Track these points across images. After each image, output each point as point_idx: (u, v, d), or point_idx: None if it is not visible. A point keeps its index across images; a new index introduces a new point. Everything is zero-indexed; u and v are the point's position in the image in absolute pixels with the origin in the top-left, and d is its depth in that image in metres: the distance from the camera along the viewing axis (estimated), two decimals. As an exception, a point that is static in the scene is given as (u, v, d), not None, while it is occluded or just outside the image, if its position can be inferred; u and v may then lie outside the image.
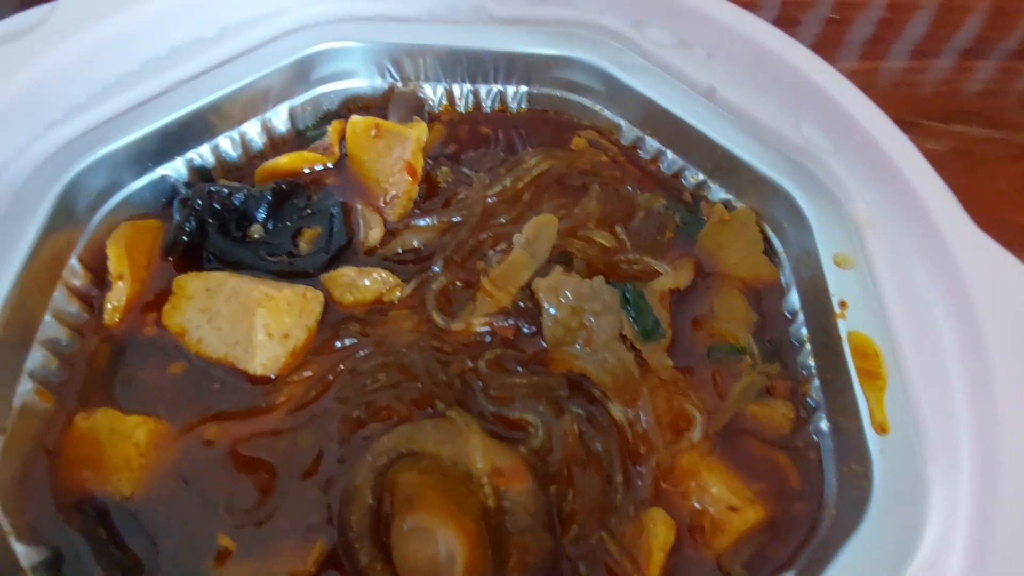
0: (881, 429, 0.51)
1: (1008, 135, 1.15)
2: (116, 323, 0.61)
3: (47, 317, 0.58)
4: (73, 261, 0.61)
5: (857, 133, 0.61)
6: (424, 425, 0.54)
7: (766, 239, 0.66)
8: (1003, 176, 1.10)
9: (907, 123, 1.16)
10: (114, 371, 0.59)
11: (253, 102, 0.70)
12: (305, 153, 0.71)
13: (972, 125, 1.16)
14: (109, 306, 0.61)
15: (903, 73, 1.24)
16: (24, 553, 0.49)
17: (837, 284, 0.58)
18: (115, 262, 0.61)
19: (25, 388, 0.55)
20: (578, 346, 0.59)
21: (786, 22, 1.29)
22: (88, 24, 0.64)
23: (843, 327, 0.56)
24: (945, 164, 1.09)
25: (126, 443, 0.54)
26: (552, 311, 0.60)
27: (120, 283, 0.61)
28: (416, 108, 0.73)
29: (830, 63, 1.25)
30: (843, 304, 0.57)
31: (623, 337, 0.59)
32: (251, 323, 0.58)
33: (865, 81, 1.21)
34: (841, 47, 1.27)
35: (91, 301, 0.62)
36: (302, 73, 0.72)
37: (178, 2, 0.69)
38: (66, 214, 0.61)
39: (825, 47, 1.25)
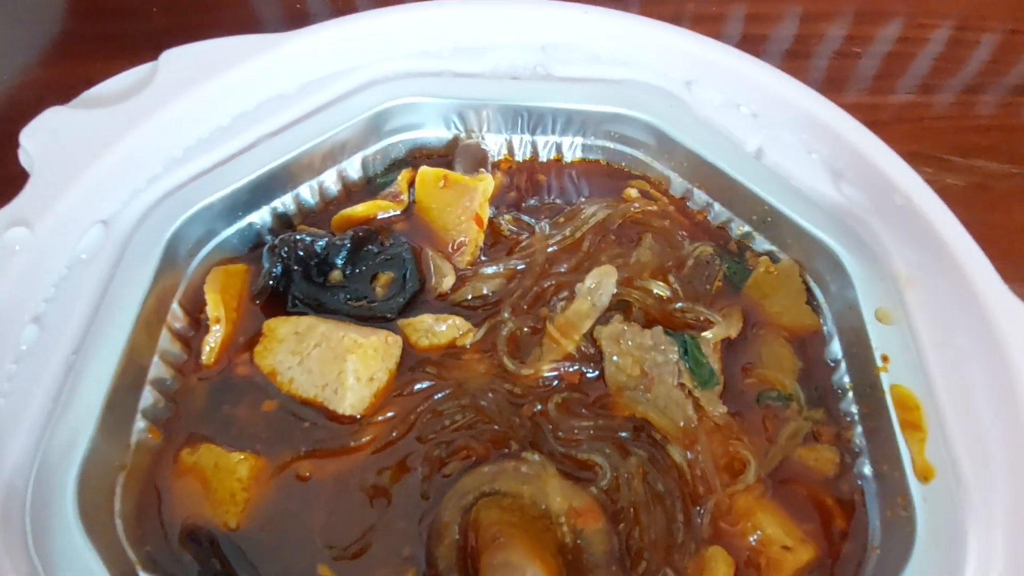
0: (923, 478, 0.56)
1: (1024, 170, 1.19)
2: (212, 363, 0.67)
3: (155, 359, 0.64)
4: (175, 305, 0.67)
5: (896, 196, 0.66)
6: (506, 466, 0.59)
7: (808, 290, 0.71)
8: (1021, 210, 1.14)
9: (928, 157, 1.21)
10: (212, 409, 0.65)
11: (332, 153, 0.76)
12: (378, 201, 0.76)
13: (990, 160, 1.20)
14: (207, 348, 0.66)
15: (916, 107, 1.28)
16: (148, 582, 0.54)
17: (879, 338, 0.63)
18: (213, 306, 0.67)
19: (139, 427, 0.61)
20: (639, 392, 0.64)
21: (799, 56, 1.33)
22: (188, 85, 0.70)
23: (886, 380, 0.61)
24: (966, 199, 1.15)
25: (230, 478, 0.60)
26: (615, 358, 0.66)
27: (217, 326, 0.67)
28: (481, 160, 0.78)
29: (843, 96, 1.29)
30: (885, 358, 0.62)
31: (682, 385, 0.64)
32: (342, 368, 0.63)
33: (891, 115, 1.25)
34: (852, 80, 1.31)
35: (189, 342, 0.68)
36: (375, 126, 0.78)
37: (265, 62, 0.74)
38: (170, 262, 0.67)
39: (837, 81, 1.30)
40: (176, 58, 0.71)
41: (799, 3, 1.41)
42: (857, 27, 1.39)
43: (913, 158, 1.17)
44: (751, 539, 0.58)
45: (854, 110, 1.27)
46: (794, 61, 1.29)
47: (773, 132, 0.75)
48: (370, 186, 0.80)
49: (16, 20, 1.17)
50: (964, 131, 1.25)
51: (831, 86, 1.27)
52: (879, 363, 0.62)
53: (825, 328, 0.70)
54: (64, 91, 0.70)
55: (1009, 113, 1.29)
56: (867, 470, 0.61)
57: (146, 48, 0.73)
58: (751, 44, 1.32)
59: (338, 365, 0.63)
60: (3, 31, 1.15)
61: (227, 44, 0.73)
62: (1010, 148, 1.22)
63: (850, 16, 1.42)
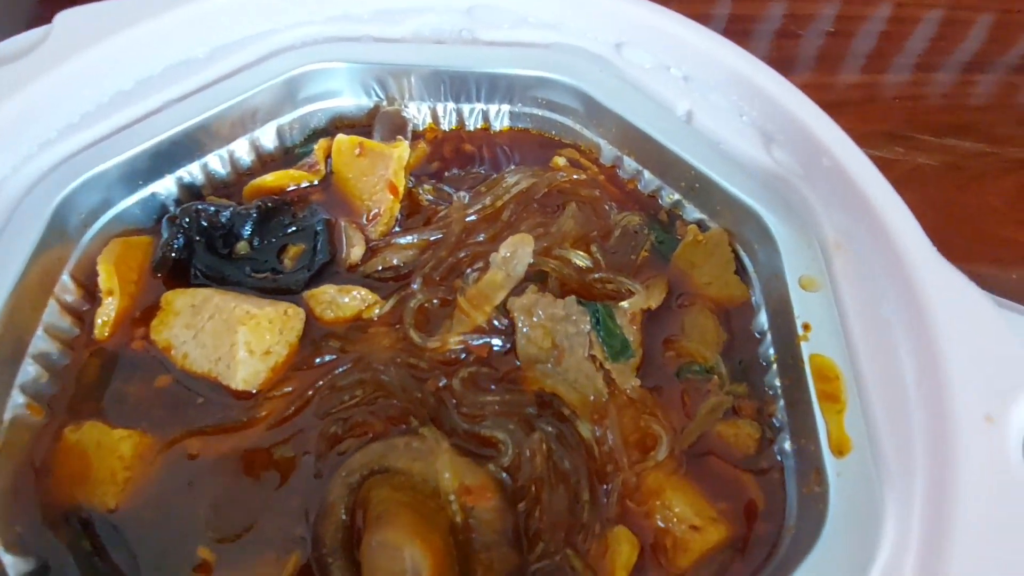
0: (839, 452, 0.52)
1: (1000, 149, 1.16)
2: (106, 337, 0.63)
3: (39, 332, 0.60)
4: (65, 277, 0.63)
5: (825, 158, 0.62)
6: (396, 443, 0.56)
7: (738, 259, 0.68)
8: (994, 191, 1.11)
9: (900, 137, 1.18)
10: (103, 384, 0.62)
11: (241, 121, 0.72)
12: (291, 171, 0.73)
13: (965, 139, 1.17)
14: (99, 321, 0.63)
15: (902, 87, 1.25)
16: (12, 564, 0.51)
17: (802, 306, 0.60)
18: (105, 278, 0.64)
19: (16, 402, 0.57)
20: (550, 365, 0.61)
21: (786, 35, 1.30)
22: (83, 46, 0.67)
23: (806, 349, 0.57)
24: (937, 178, 1.11)
25: (111, 456, 0.57)
26: (526, 330, 0.62)
27: (110, 299, 0.63)
28: (400, 127, 0.75)
29: (831, 76, 1.26)
30: (807, 326, 0.58)
31: (592, 357, 0.60)
32: (233, 340, 0.60)
33: (866, 94, 1.22)
34: (842, 60, 1.28)
35: (82, 316, 0.64)
36: (290, 93, 0.74)
37: (170, 23, 0.71)
38: (58, 232, 0.63)
39: (826, 60, 1.27)
40: (72, 18, 0.67)
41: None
42: (812, 6, 1.36)
43: (885, 137, 1.15)
44: (659, 518, 0.55)
45: (823, 89, 1.24)
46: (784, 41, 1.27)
47: (704, 95, 0.72)
48: (288, 156, 0.77)
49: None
50: (937, 110, 1.21)
51: (789, 66, 1.24)
52: (800, 332, 0.58)
53: (753, 298, 0.66)
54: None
55: (983, 93, 1.26)
56: (788, 446, 0.57)
57: None
58: (740, 23, 1.29)
59: (230, 338, 0.60)
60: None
61: (131, 3, 0.70)
62: (984, 128, 1.19)
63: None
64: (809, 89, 1.22)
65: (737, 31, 1.31)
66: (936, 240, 1.06)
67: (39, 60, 0.65)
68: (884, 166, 1.09)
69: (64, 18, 0.67)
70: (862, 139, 1.12)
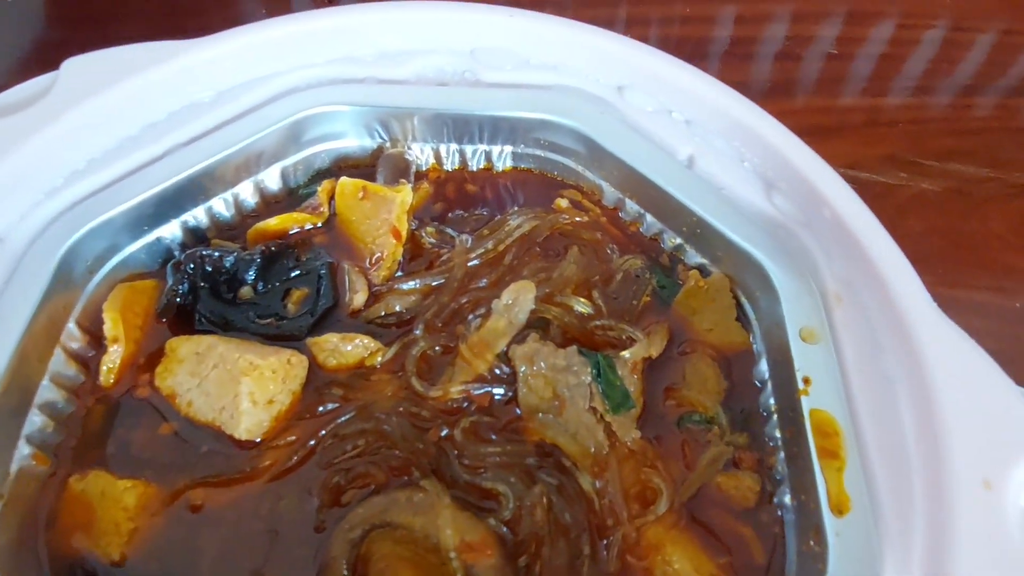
0: (838, 510, 0.52)
1: (1004, 174, 1.16)
2: (111, 385, 0.64)
3: (45, 381, 0.61)
4: (71, 324, 0.64)
5: (826, 209, 0.62)
6: (398, 497, 0.56)
7: (739, 306, 0.68)
8: (997, 217, 1.11)
9: (903, 161, 1.18)
10: (107, 432, 0.62)
11: (246, 164, 0.73)
12: (294, 214, 0.73)
13: (968, 164, 1.17)
14: (104, 368, 0.64)
15: (904, 110, 1.25)
16: (18, 618, 0.51)
17: (802, 359, 0.60)
18: (111, 325, 0.64)
19: (22, 453, 0.58)
20: (551, 415, 0.61)
21: (787, 57, 1.30)
22: (90, 93, 0.67)
23: (806, 403, 0.57)
24: (940, 204, 1.11)
25: (116, 507, 0.57)
26: (528, 379, 0.62)
27: (115, 346, 0.64)
28: (403, 170, 0.75)
29: (832, 99, 1.26)
30: (807, 380, 0.59)
31: (593, 408, 0.61)
32: (237, 391, 0.60)
33: (866, 117, 1.22)
34: (843, 82, 1.28)
35: (88, 363, 0.65)
36: (294, 135, 0.75)
37: (175, 68, 0.71)
38: (65, 280, 0.64)
39: (826, 83, 1.27)
40: (79, 66, 0.68)
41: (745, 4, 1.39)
42: (813, 28, 1.36)
43: (888, 162, 1.15)
44: (659, 574, 0.55)
45: (824, 112, 1.24)
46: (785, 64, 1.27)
47: (706, 140, 0.72)
48: (292, 197, 0.78)
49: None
50: (939, 134, 1.21)
51: (790, 89, 1.25)
52: (800, 385, 0.58)
53: (754, 346, 0.66)
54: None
55: (985, 116, 1.26)
56: (788, 500, 0.57)
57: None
58: (742, 46, 1.30)
59: (233, 388, 0.60)
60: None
61: (135, 51, 0.70)
62: (988, 152, 1.19)
63: (825, 16, 1.38)
64: (810, 112, 1.23)
65: (739, 53, 1.31)
66: (940, 267, 1.06)
67: (46, 108, 0.66)
68: (888, 191, 1.10)
69: (71, 65, 0.68)
70: (865, 163, 1.13)
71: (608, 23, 1.25)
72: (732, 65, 1.29)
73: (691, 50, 1.29)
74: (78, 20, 1.20)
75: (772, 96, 1.24)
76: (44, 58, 1.09)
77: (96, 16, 1.20)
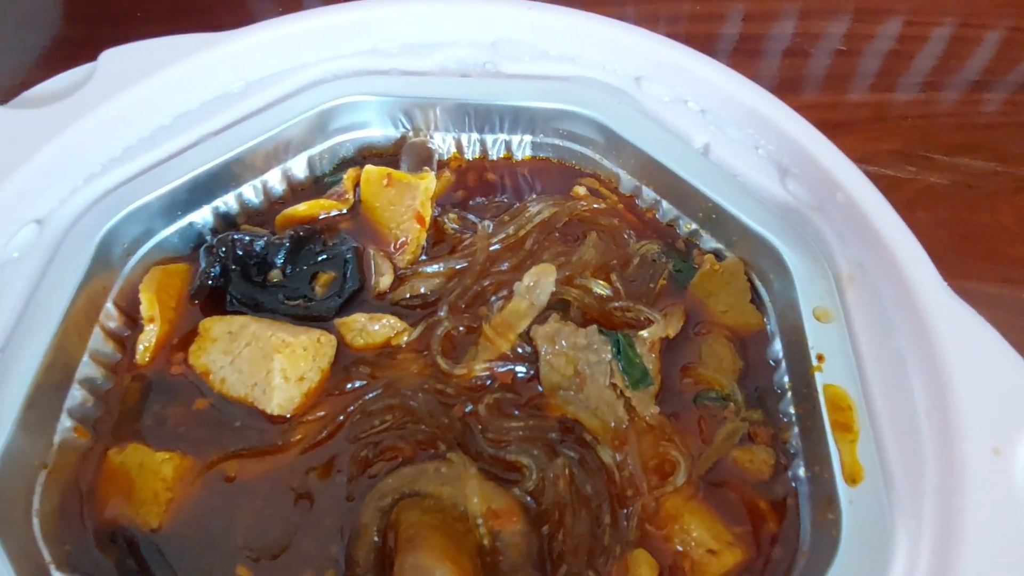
0: (851, 480, 0.54)
1: (1012, 168, 1.17)
2: (147, 363, 0.66)
3: (85, 358, 0.63)
4: (109, 304, 0.67)
5: (840, 193, 0.64)
6: (427, 468, 0.58)
7: (753, 288, 0.70)
8: (1005, 210, 1.12)
9: (911, 155, 1.19)
10: (144, 408, 0.64)
11: (275, 152, 0.75)
12: (321, 200, 0.76)
13: (976, 158, 1.18)
14: (141, 347, 0.66)
15: (912, 105, 1.26)
16: (62, 582, 0.54)
17: (816, 337, 0.62)
18: (147, 306, 0.67)
19: (64, 425, 0.60)
20: (572, 392, 0.63)
21: (796, 54, 1.32)
22: (126, 84, 0.70)
23: (820, 379, 0.59)
24: (949, 197, 1.13)
25: (154, 478, 0.59)
26: (548, 358, 0.65)
27: (151, 325, 0.66)
28: (426, 158, 0.78)
29: (840, 95, 1.27)
30: (820, 357, 0.60)
31: (613, 385, 0.63)
32: (269, 367, 0.62)
33: (875, 113, 1.24)
34: (851, 79, 1.30)
35: (124, 342, 0.67)
36: (321, 125, 0.77)
37: (207, 60, 0.74)
38: (103, 262, 0.66)
39: (835, 79, 1.29)
40: (116, 57, 0.71)
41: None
42: (821, 25, 1.37)
43: (896, 156, 1.17)
44: (677, 542, 0.57)
45: (832, 108, 1.25)
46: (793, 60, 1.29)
47: (721, 128, 0.74)
48: (318, 185, 0.80)
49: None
50: (947, 129, 1.23)
51: (799, 85, 1.26)
52: (814, 362, 0.60)
53: (768, 327, 0.68)
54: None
55: (993, 111, 1.27)
56: (802, 472, 0.59)
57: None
58: (750, 43, 1.32)
59: (266, 364, 0.63)
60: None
61: (169, 43, 0.73)
62: (994, 146, 1.20)
63: (819, 14, 1.40)
64: (818, 108, 1.24)
65: (747, 50, 1.33)
66: (948, 259, 1.08)
67: (85, 98, 0.69)
68: (896, 185, 1.11)
69: (108, 57, 0.71)
70: (872, 158, 1.14)
71: (617, 20, 1.28)
72: (740, 61, 1.30)
73: (699, 47, 1.31)
74: (96, 19, 1.22)
75: (780, 92, 1.25)
76: (64, 55, 1.13)
77: (114, 15, 1.22)
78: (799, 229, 0.68)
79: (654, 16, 1.36)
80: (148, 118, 0.72)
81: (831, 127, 1.26)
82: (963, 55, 1.34)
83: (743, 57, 1.31)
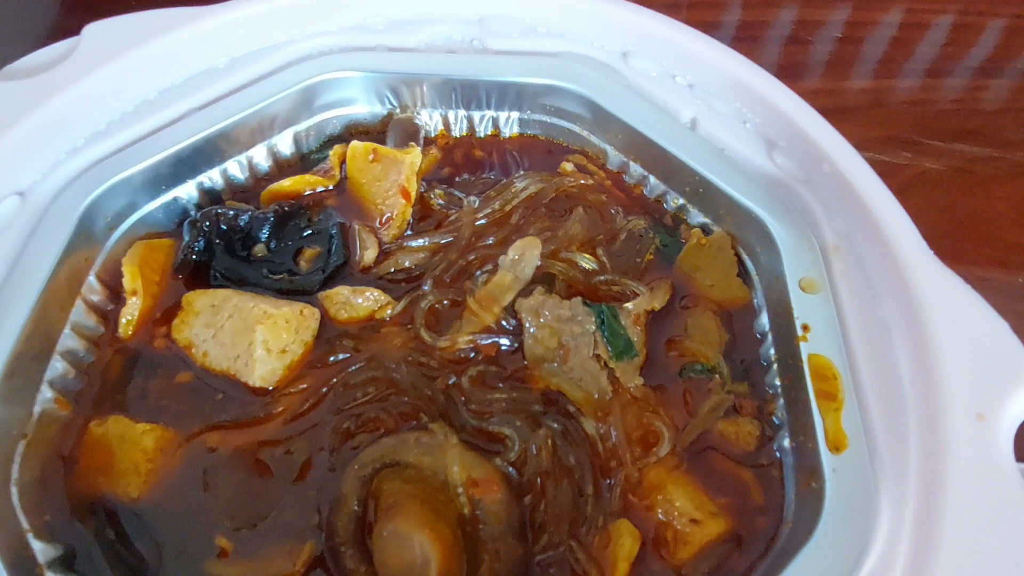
0: (835, 448, 0.54)
1: (1008, 154, 1.17)
2: (130, 336, 0.66)
3: (66, 330, 0.63)
4: (91, 278, 0.66)
5: (825, 164, 0.64)
6: (408, 437, 0.58)
7: (740, 262, 0.69)
8: (1001, 195, 1.11)
9: (908, 142, 1.19)
10: (126, 381, 0.64)
11: (260, 128, 0.75)
12: (307, 176, 0.75)
13: (973, 144, 1.17)
14: (123, 320, 0.66)
15: (912, 92, 1.26)
16: (41, 550, 0.53)
17: (801, 308, 0.61)
18: (129, 279, 0.66)
19: (45, 396, 0.60)
20: (556, 364, 0.63)
21: (796, 41, 1.31)
22: (109, 57, 0.70)
23: (804, 349, 0.59)
24: (944, 183, 1.12)
25: (135, 449, 0.59)
26: (532, 330, 0.64)
27: (134, 299, 0.66)
28: (412, 134, 0.77)
29: (841, 82, 1.27)
30: (806, 327, 0.60)
31: (597, 356, 0.62)
32: (251, 339, 0.62)
33: (874, 99, 1.23)
34: (852, 66, 1.29)
35: (107, 315, 0.67)
36: (306, 101, 0.77)
37: (191, 35, 0.73)
38: (86, 235, 0.66)
39: (836, 66, 1.28)
40: (99, 31, 0.70)
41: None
42: (822, 12, 1.37)
43: (892, 143, 1.16)
44: (660, 512, 0.56)
45: (832, 95, 1.25)
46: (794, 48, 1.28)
47: (708, 102, 0.73)
48: (305, 162, 0.80)
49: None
50: (946, 115, 1.22)
51: (799, 72, 1.26)
52: (799, 332, 0.60)
53: (755, 300, 0.68)
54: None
55: (992, 98, 1.26)
56: (787, 443, 0.59)
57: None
58: (750, 30, 1.31)
59: (248, 336, 0.62)
60: None
61: (154, 16, 0.73)
62: (991, 132, 1.19)
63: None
64: (818, 95, 1.23)
65: (747, 37, 1.32)
66: (943, 244, 1.07)
67: (68, 71, 0.68)
68: (891, 171, 1.11)
69: (91, 30, 0.70)
70: (869, 144, 1.13)
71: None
72: (740, 48, 1.30)
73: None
74: (90, 5, 1.22)
75: (780, 79, 1.25)
76: (53, 32, 1.12)
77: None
78: (786, 202, 0.67)
79: (651, 3, 1.36)
80: (132, 92, 0.71)
81: (828, 113, 1.25)
82: (963, 43, 1.33)
83: (743, 44, 1.30)
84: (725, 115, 0.72)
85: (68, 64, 0.69)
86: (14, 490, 0.55)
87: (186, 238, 0.69)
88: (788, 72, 1.26)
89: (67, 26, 1.18)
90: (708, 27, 1.32)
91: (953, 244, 1.05)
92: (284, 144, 0.78)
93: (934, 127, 1.19)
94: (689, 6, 1.39)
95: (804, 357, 0.58)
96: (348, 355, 0.65)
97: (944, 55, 1.31)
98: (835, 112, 1.23)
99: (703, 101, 0.73)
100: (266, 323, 0.62)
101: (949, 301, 0.56)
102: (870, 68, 1.30)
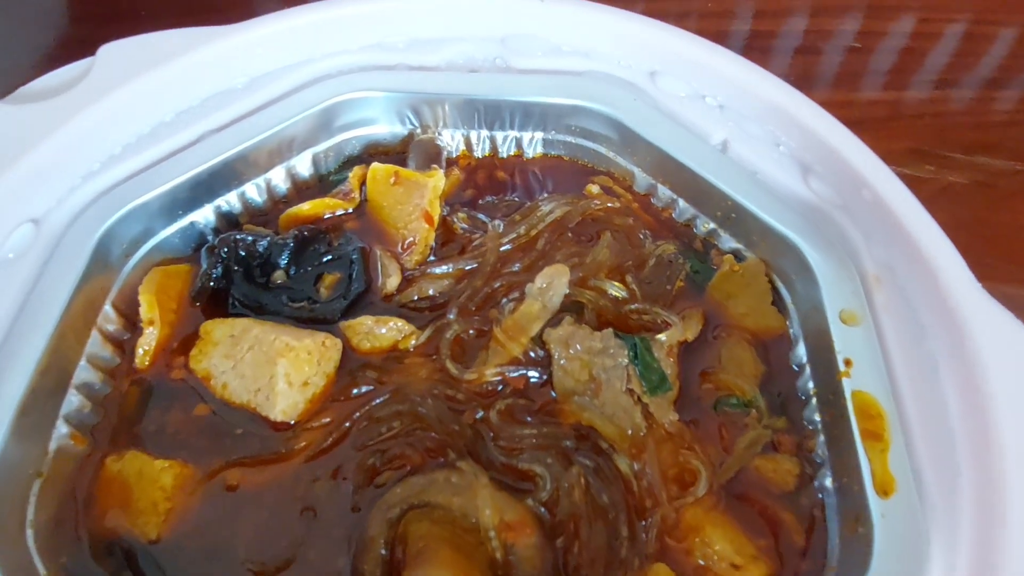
0: (883, 492, 0.52)
1: (1030, 167, 1.14)
2: (146, 367, 0.64)
3: (82, 362, 0.61)
4: (107, 307, 0.64)
5: (866, 191, 0.62)
6: (436, 477, 0.56)
7: (775, 290, 0.67)
8: (1024, 210, 1.09)
9: (931, 155, 1.17)
10: (143, 413, 0.62)
11: (279, 150, 0.73)
12: (327, 199, 0.73)
13: (995, 157, 1.15)
14: (140, 351, 0.64)
15: (927, 103, 1.24)
16: (57, 595, 0.51)
17: (843, 341, 0.59)
18: (146, 308, 0.64)
19: (60, 432, 0.58)
20: (587, 397, 0.61)
21: (807, 52, 1.29)
22: (125, 79, 0.68)
23: (847, 386, 0.57)
24: (968, 197, 1.10)
25: (153, 487, 0.57)
26: (562, 362, 0.62)
27: (151, 328, 0.64)
28: (434, 156, 0.75)
29: (853, 92, 1.25)
30: (848, 362, 0.58)
31: (630, 390, 0.60)
32: (273, 372, 0.60)
33: (889, 111, 1.21)
34: (864, 76, 1.27)
35: (123, 345, 0.65)
36: (326, 121, 0.75)
37: (209, 55, 0.72)
38: (102, 262, 0.64)
39: (848, 76, 1.26)
40: (115, 52, 0.69)
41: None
42: (833, 22, 1.35)
43: (913, 155, 1.14)
44: (699, 556, 0.54)
45: (845, 106, 1.23)
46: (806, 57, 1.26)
47: (740, 124, 0.71)
48: (323, 183, 0.78)
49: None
50: (968, 128, 1.20)
51: (812, 83, 1.24)
52: (841, 367, 0.58)
53: (791, 330, 0.66)
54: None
55: (1009, 109, 1.24)
56: (828, 483, 0.57)
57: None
58: (761, 40, 1.29)
59: (269, 369, 0.60)
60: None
61: (170, 36, 0.71)
62: (1013, 145, 1.17)
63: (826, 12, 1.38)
64: (831, 106, 1.21)
65: (758, 47, 1.31)
66: (969, 261, 1.05)
67: (83, 93, 0.66)
68: (914, 185, 1.08)
69: (107, 51, 0.69)
70: (888, 156, 1.11)
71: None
72: (752, 59, 1.28)
73: (710, 44, 1.29)
74: (102, 18, 1.21)
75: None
76: (68, 55, 1.11)
77: (120, 14, 1.20)
78: (822, 228, 0.65)
79: (664, 12, 1.34)
80: (148, 114, 0.70)
81: (846, 125, 1.24)
82: (978, 52, 1.31)
83: (755, 54, 1.28)
84: (758, 137, 0.70)
85: (83, 86, 0.67)
86: (30, 532, 0.53)
87: (204, 265, 0.67)
88: (802, 83, 1.24)
89: (79, 36, 1.17)
90: (719, 36, 1.31)
91: (980, 261, 1.02)
92: (303, 165, 0.76)
93: (953, 139, 1.17)
94: (700, 15, 1.37)
95: (847, 394, 0.56)
96: (372, 387, 0.63)
97: (956, 65, 1.29)
98: (852, 123, 1.21)
99: (734, 123, 0.71)
100: (288, 356, 0.60)
101: (999, 335, 0.53)
102: (885, 79, 1.28)
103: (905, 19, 1.37)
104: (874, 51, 1.30)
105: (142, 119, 0.69)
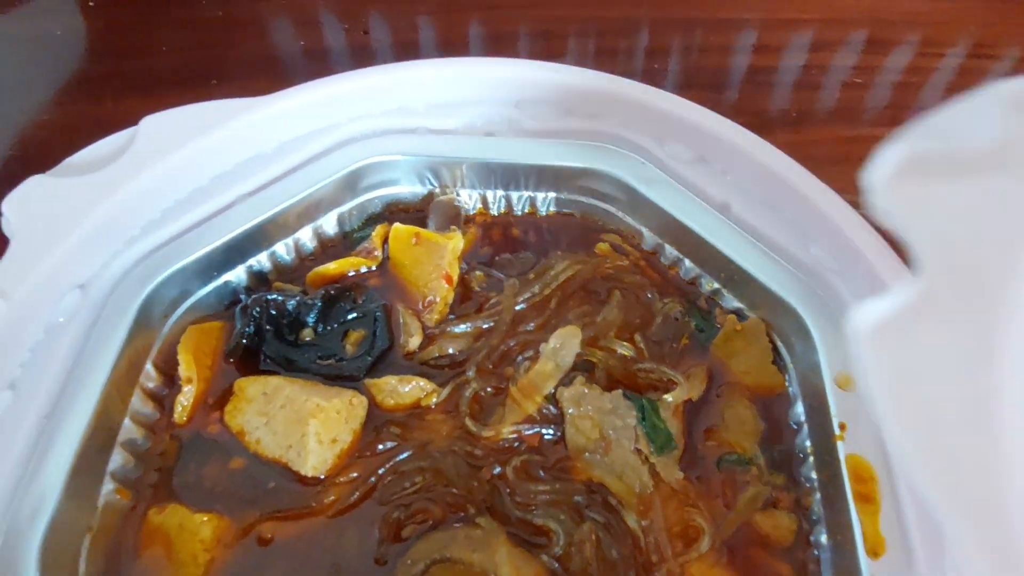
0: (874, 553, 0.55)
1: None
2: (185, 422, 0.68)
3: (126, 421, 0.66)
4: (148, 366, 0.69)
5: (862, 263, 0.65)
6: (457, 533, 0.60)
7: (775, 350, 0.71)
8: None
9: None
10: (181, 467, 0.67)
11: (307, 212, 0.78)
12: (351, 258, 0.78)
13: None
14: (179, 407, 0.68)
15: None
16: (107, 648, 0.56)
17: (838, 405, 0.63)
18: (185, 368, 0.69)
19: (107, 488, 0.62)
20: (598, 455, 0.65)
21: (807, 87, 1.33)
22: (168, 150, 0.72)
23: (842, 449, 0.61)
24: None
25: (193, 539, 0.61)
26: (575, 420, 0.66)
27: (188, 386, 0.69)
28: (453, 217, 0.80)
29: (855, 128, 1.28)
30: (843, 426, 0.62)
31: (638, 450, 0.64)
32: (304, 431, 0.64)
33: (866, 149, 1.24)
34: (865, 112, 1.30)
35: (162, 401, 0.70)
36: (351, 183, 0.79)
37: (244, 124, 0.76)
38: (144, 324, 0.69)
39: (848, 112, 1.29)
40: (155, 123, 0.73)
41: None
42: (832, 57, 1.37)
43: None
44: (702, 611, 0.58)
45: (847, 143, 1.26)
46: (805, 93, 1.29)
47: (743, 190, 0.75)
48: (347, 240, 0.82)
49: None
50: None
51: (813, 119, 1.26)
52: (836, 431, 0.61)
53: (790, 389, 0.69)
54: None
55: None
56: (824, 539, 0.60)
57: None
58: (761, 75, 1.32)
59: (301, 428, 0.65)
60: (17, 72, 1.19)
61: (207, 108, 0.75)
62: None
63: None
64: (834, 142, 1.24)
65: (758, 82, 1.34)
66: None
67: (127, 165, 0.71)
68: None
69: (148, 122, 0.73)
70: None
71: (628, 52, 1.29)
72: (751, 93, 1.31)
73: (709, 78, 1.32)
74: (120, 54, 1.24)
75: (793, 125, 1.26)
76: (87, 90, 1.15)
77: (139, 48, 1.24)
78: (821, 293, 0.69)
79: (666, 47, 1.37)
80: (187, 181, 0.74)
81: (847, 161, 1.26)
82: (980, 85, 1.34)
83: (754, 89, 1.32)
84: (759, 203, 0.74)
85: (127, 158, 0.71)
86: (82, 585, 0.58)
87: (238, 325, 0.72)
88: (802, 118, 1.27)
89: (93, 73, 1.20)
90: (718, 72, 1.34)
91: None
92: (328, 225, 0.80)
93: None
94: (701, 50, 1.40)
95: (842, 457, 0.60)
96: (395, 443, 0.67)
97: (958, 98, 1.31)
98: (854, 160, 1.23)
99: (738, 189, 0.75)
100: (319, 416, 0.64)
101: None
102: (886, 114, 1.30)
103: (902, 54, 1.39)
104: (875, 86, 1.33)
105: (181, 186, 0.74)
